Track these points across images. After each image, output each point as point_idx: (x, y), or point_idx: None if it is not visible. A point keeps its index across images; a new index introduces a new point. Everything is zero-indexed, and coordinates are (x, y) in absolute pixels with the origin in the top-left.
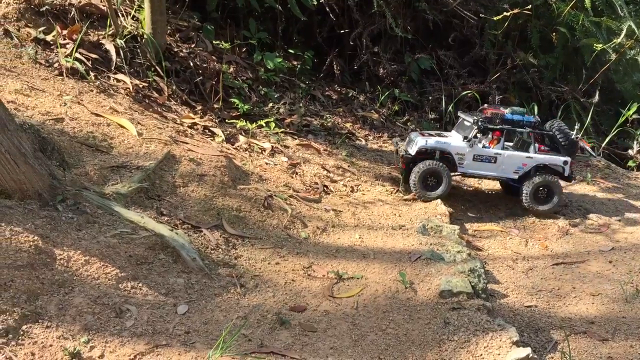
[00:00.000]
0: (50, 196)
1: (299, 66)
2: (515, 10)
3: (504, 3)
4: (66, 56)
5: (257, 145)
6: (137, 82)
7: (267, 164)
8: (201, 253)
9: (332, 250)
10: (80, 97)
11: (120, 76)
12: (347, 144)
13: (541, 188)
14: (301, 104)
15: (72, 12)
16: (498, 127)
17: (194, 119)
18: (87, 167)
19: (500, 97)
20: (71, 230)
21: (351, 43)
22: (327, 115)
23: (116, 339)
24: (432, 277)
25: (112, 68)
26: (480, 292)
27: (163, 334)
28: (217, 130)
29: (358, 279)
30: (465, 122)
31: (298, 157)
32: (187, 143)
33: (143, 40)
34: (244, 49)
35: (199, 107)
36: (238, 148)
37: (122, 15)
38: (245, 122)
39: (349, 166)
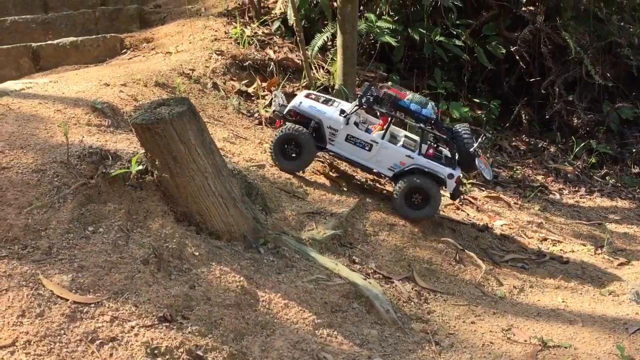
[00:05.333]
0: (254, 239)
1: (484, 115)
2: None
3: None
4: (265, 107)
5: (443, 195)
6: None
7: (456, 214)
8: (393, 305)
9: (533, 313)
10: None
11: None
12: (540, 198)
13: (416, 193)
14: (488, 155)
15: (271, 66)
16: (385, 111)
17: None
18: (286, 212)
19: None
20: (272, 273)
21: (542, 91)
22: (517, 167)
23: None
24: None
25: None
26: None
27: None
28: None
29: (566, 348)
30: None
31: (487, 210)
32: (375, 191)
33: (333, 91)
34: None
35: None
36: None
37: (315, 68)
38: None
39: (543, 222)
